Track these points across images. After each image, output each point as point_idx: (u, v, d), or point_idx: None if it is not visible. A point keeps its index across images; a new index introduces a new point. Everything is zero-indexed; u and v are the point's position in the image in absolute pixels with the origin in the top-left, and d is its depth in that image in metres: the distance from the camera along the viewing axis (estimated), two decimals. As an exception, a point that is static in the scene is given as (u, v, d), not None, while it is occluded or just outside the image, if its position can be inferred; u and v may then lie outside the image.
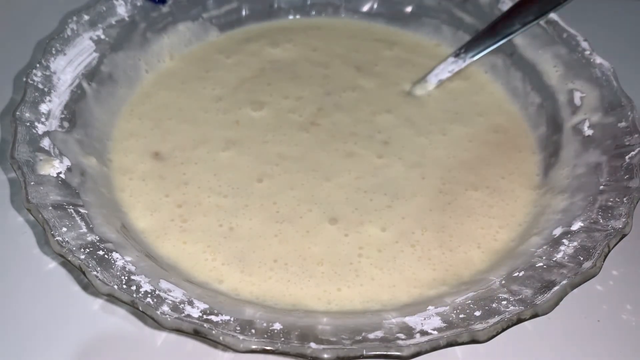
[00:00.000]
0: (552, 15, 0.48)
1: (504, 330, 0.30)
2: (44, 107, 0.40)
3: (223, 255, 0.39)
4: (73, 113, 0.42)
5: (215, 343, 0.30)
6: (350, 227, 0.40)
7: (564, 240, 0.35)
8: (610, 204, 0.36)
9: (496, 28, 0.48)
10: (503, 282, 0.34)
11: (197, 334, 0.30)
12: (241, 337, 0.30)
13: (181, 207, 0.41)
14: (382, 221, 0.41)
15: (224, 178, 0.43)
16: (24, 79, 0.41)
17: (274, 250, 0.39)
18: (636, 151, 0.39)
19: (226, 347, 0.30)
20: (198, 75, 0.51)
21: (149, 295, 0.31)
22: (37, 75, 0.41)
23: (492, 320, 0.31)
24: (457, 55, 0.50)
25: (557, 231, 0.36)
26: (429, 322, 0.31)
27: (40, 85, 0.41)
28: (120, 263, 0.33)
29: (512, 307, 0.31)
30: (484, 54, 0.50)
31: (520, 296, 0.32)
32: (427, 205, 0.42)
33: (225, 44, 0.55)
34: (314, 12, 0.58)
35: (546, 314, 0.31)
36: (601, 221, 0.35)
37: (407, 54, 0.54)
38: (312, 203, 0.42)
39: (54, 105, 0.41)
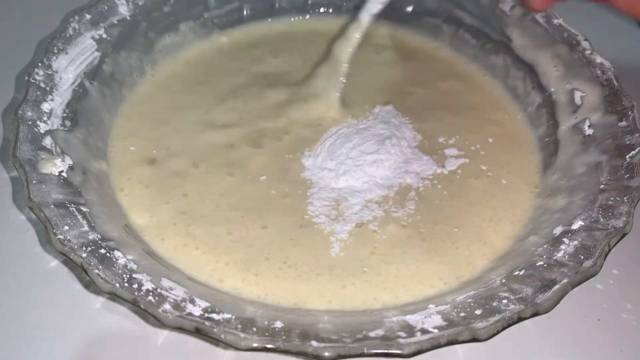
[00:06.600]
0: (553, 14, 0.48)
1: (504, 328, 0.30)
2: (45, 106, 0.40)
3: (227, 256, 0.38)
4: (75, 112, 0.42)
5: (216, 341, 0.30)
6: (366, 227, 0.40)
7: (565, 239, 0.35)
8: (610, 203, 0.36)
9: None
10: (504, 280, 0.34)
11: (199, 332, 0.30)
12: (242, 335, 0.30)
13: (180, 209, 0.41)
14: (399, 218, 0.41)
15: (221, 180, 0.43)
16: (26, 78, 0.41)
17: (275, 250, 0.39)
18: (636, 150, 0.39)
19: (227, 345, 0.30)
20: (199, 79, 0.51)
21: (151, 294, 0.31)
22: (39, 74, 0.41)
23: (492, 319, 0.31)
24: None
25: (558, 230, 0.37)
26: (430, 320, 0.32)
27: (42, 84, 0.41)
28: (122, 261, 0.33)
29: (512, 306, 0.31)
30: None
31: (521, 295, 0.32)
32: (435, 198, 0.42)
33: (228, 47, 0.54)
34: (315, 13, 0.58)
35: (547, 312, 0.31)
36: (602, 220, 0.36)
37: (408, 55, 0.54)
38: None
39: (55, 104, 0.41)
